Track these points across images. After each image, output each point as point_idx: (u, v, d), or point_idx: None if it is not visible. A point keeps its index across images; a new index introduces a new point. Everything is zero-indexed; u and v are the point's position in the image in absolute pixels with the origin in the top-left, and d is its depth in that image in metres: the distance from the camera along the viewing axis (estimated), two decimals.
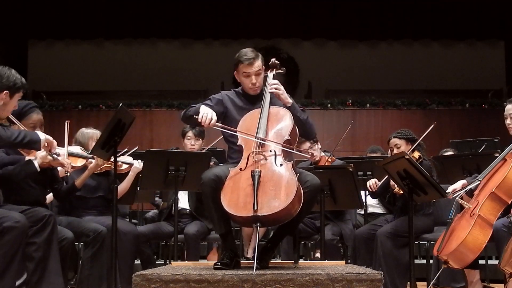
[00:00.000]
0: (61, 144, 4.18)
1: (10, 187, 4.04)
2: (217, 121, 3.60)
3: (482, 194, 3.92)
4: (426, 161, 4.80)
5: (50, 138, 3.67)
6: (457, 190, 4.13)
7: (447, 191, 4.12)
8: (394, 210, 5.09)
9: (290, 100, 3.68)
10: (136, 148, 4.96)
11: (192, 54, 13.09)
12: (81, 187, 4.50)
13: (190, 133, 5.42)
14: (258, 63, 3.71)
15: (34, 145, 3.58)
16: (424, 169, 4.07)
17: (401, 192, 4.57)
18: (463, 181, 4.19)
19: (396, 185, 4.60)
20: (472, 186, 4.00)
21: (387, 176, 4.80)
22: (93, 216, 4.66)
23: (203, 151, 5.37)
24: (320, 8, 12.59)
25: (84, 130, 4.85)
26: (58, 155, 3.84)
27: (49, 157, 3.81)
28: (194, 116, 3.55)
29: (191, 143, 5.41)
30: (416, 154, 4.74)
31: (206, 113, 3.51)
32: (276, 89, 3.65)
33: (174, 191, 4.84)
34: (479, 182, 3.95)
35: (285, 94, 3.68)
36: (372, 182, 5.08)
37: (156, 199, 6.07)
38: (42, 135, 3.60)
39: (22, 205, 3.90)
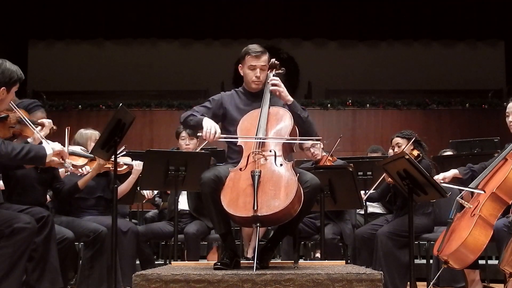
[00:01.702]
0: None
1: (13, 187, 4.05)
2: (219, 124, 3.64)
3: (482, 194, 3.91)
4: (425, 160, 4.80)
5: (59, 148, 3.49)
6: (446, 178, 4.15)
7: (436, 177, 4.14)
8: (394, 210, 5.09)
9: (290, 98, 3.69)
10: (123, 148, 4.87)
11: (192, 54, 13.09)
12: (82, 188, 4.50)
13: (184, 133, 5.41)
14: (265, 58, 3.76)
15: (40, 160, 3.39)
16: (423, 168, 4.07)
17: (393, 181, 4.59)
18: (455, 171, 4.21)
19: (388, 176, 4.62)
20: (471, 190, 3.98)
21: (381, 178, 4.83)
22: (93, 216, 4.66)
23: (202, 151, 5.37)
24: (320, 8, 12.60)
25: (82, 131, 4.86)
26: (71, 165, 3.79)
27: (60, 163, 3.66)
28: (198, 134, 3.61)
29: (186, 143, 5.40)
30: (415, 152, 4.75)
31: (209, 128, 3.54)
32: (276, 85, 3.65)
33: (174, 191, 4.84)
34: (479, 191, 3.92)
35: (285, 92, 3.69)
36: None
37: (156, 199, 6.06)
38: (49, 149, 3.41)
39: (23, 205, 3.90)
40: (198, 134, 3.59)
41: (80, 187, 4.46)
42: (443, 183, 4.10)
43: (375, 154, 6.50)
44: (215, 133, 3.53)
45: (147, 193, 5.58)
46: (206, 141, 5.44)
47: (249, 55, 3.74)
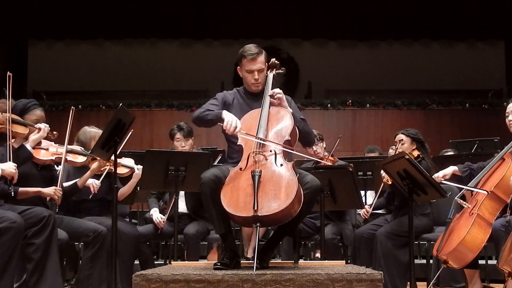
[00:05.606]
0: (62, 140, 4.18)
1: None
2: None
3: (481, 193, 3.92)
4: (425, 161, 4.79)
5: (9, 171, 3.51)
6: (446, 175, 4.16)
7: (435, 176, 4.15)
8: (392, 210, 5.09)
9: (290, 110, 3.66)
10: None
11: (192, 54, 13.09)
12: (82, 188, 4.49)
13: (178, 135, 5.35)
14: (262, 59, 3.71)
15: None
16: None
17: (389, 182, 4.62)
18: (454, 168, 4.21)
19: (385, 176, 4.64)
20: (475, 190, 3.97)
21: (380, 190, 4.94)
22: (93, 217, 4.65)
23: (200, 151, 5.36)
24: (320, 8, 12.59)
25: (87, 128, 4.77)
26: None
27: None
28: (219, 123, 3.54)
29: (182, 145, 5.33)
30: (415, 153, 4.75)
31: (231, 121, 3.50)
32: (279, 98, 3.63)
33: (174, 191, 4.84)
34: (482, 192, 3.91)
35: (285, 103, 3.67)
36: (363, 212, 5.17)
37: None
38: None
39: (25, 204, 3.89)
40: (220, 124, 3.52)
41: (79, 186, 4.45)
42: (444, 181, 4.10)
43: (372, 154, 6.51)
44: (236, 127, 3.49)
45: (158, 221, 5.11)
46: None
47: (245, 59, 3.69)
